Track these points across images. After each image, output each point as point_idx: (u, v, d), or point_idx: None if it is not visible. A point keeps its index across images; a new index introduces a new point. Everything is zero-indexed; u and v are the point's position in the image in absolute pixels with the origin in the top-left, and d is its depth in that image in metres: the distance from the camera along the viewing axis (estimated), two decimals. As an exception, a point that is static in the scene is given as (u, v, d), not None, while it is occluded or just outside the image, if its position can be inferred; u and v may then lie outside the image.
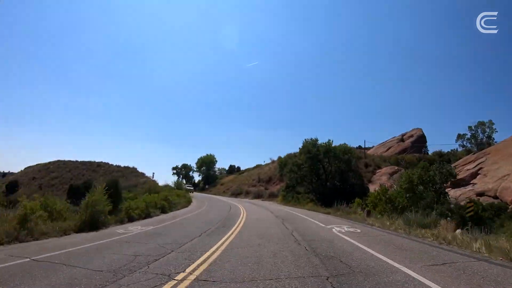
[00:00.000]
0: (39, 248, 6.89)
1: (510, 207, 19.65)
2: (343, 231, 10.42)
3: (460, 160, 32.86)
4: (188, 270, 4.74)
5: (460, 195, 25.35)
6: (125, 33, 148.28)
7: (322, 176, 33.95)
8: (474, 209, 14.08)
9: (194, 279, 4.23)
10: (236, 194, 52.45)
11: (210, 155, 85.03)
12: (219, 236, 8.82)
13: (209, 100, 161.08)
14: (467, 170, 29.05)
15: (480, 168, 34.12)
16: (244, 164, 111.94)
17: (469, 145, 52.34)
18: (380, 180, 34.49)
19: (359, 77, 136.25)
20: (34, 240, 8.01)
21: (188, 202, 28.46)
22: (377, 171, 37.37)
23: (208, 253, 6.15)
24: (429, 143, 56.66)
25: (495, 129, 46.43)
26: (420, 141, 55.00)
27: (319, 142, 34.46)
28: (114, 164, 59.19)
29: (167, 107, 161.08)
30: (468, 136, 51.04)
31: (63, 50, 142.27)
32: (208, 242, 7.77)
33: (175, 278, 4.28)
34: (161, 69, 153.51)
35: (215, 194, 57.59)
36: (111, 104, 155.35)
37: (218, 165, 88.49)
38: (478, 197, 26.38)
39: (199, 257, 5.75)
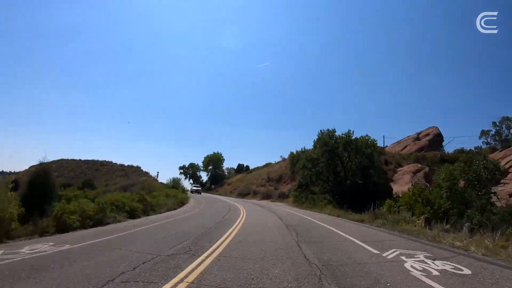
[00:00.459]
0: None
1: None
2: (437, 273, 4.93)
3: (486, 158, 29.55)
4: None
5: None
6: (131, 33, 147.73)
7: (341, 173, 29.44)
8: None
9: None
10: (244, 195, 49.42)
11: (217, 153, 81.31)
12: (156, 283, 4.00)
13: (218, 99, 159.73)
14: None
15: (511, 166, 30.82)
16: (254, 163, 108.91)
17: (493, 142, 49.11)
18: (403, 179, 31.52)
19: (371, 76, 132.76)
20: None
21: (180, 203, 24.08)
22: (399, 169, 34.28)
23: None
24: (445, 142, 54.03)
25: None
26: (437, 139, 52.68)
27: (337, 134, 29.34)
28: (118, 163, 57.42)
29: (176, 107, 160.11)
30: (493, 132, 47.82)
31: (68, 50, 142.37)
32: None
33: None
34: (167, 69, 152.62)
35: (220, 195, 54.57)
36: (117, 103, 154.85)
37: (226, 165, 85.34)
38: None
39: None
